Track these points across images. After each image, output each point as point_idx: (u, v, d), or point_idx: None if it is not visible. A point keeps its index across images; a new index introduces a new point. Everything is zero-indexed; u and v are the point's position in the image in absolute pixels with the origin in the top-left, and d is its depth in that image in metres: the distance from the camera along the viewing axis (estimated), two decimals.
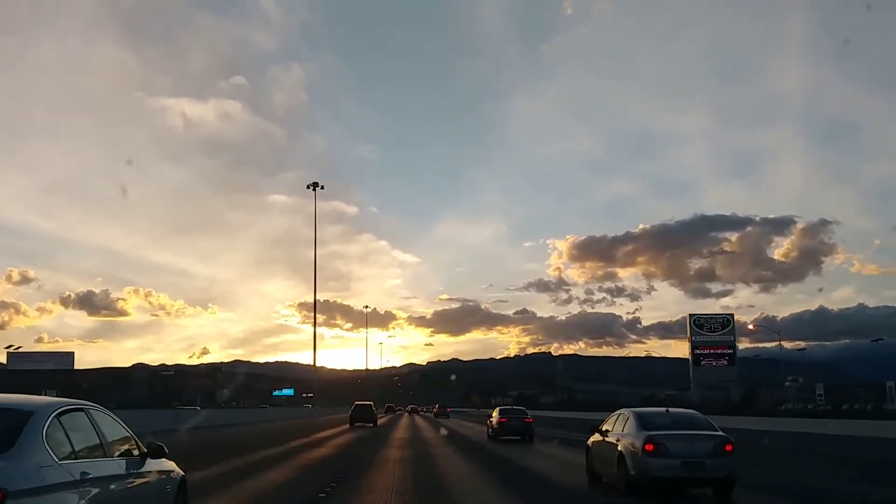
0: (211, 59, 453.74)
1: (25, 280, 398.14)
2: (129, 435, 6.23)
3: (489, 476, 16.50)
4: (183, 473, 7.23)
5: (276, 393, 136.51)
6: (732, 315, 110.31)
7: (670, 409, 13.40)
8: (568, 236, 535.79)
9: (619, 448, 12.46)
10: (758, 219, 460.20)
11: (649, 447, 11.59)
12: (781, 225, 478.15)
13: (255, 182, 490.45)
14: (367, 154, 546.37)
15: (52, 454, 4.69)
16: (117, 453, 5.82)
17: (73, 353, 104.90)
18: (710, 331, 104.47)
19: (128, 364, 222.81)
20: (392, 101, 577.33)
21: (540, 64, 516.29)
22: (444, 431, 39.82)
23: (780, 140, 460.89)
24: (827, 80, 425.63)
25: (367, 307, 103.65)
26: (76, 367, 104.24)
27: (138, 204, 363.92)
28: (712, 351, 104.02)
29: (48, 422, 4.88)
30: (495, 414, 31.81)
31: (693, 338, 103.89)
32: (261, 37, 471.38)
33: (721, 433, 12.06)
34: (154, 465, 6.40)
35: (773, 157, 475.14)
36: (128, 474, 5.74)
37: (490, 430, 31.76)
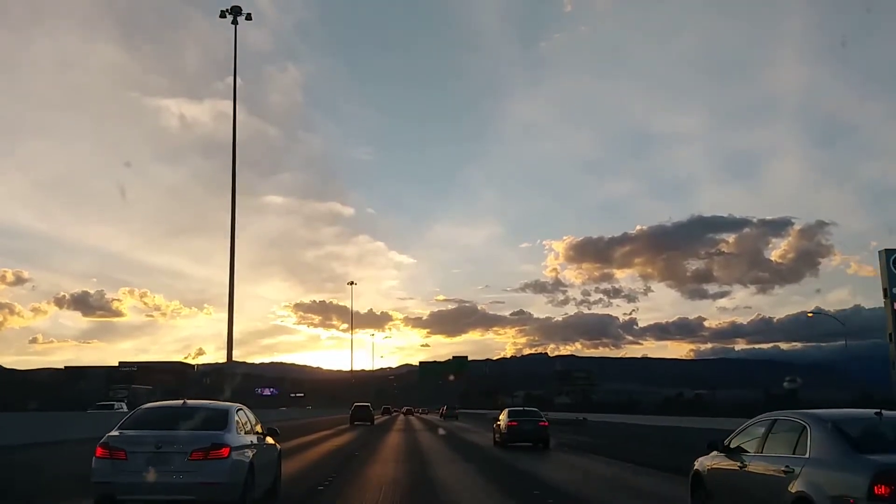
0: (206, 58, 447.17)
1: (20, 280, 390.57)
2: (258, 422, 10.73)
3: None
4: (280, 447, 11.88)
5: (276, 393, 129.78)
6: None
7: (884, 413, 7.18)
8: (564, 237, 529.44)
9: (795, 488, 6.54)
10: (755, 220, 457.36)
11: (882, 490, 5.56)
12: (779, 226, 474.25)
13: (251, 183, 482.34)
14: (364, 155, 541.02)
15: (238, 431, 9.36)
16: (255, 431, 10.27)
17: None
18: None
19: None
20: (388, 102, 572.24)
21: (537, 64, 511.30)
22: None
23: (777, 141, 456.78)
24: (824, 81, 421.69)
25: (352, 283, 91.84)
26: (66, 366, 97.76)
27: (133, 204, 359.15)
28: None
29: (235, 414, 9.64)
30: (503, 416, 27.33)
31: (893, 289, 52.22)
32: (256, 37, 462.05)
33: None
34: (268, 440, 10.87)
35: (770, 158, 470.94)
36: (260, 444, 10.17)
37: (497, 436, 27.42)
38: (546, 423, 26.53)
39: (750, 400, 52.92)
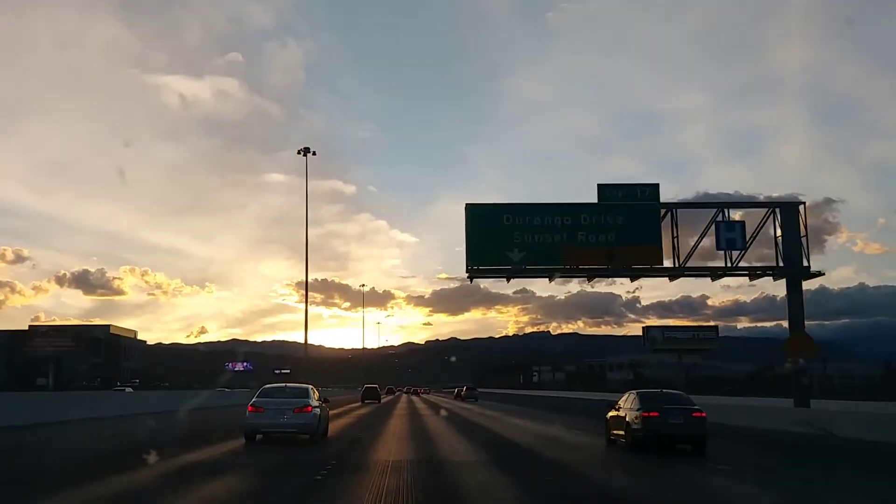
0: (207, 35, 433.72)
1: (20, 259, 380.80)
2: (319, 394, 20.02)
3: None
4: (329, 410, 21.32)
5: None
6: None
7: None
8: None
9: None
10: (761, 197, 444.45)
11: None
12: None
13: (252, 161, 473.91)
14: (366, 133, 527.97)
15: (313, 398, 18.82)
16: (319, 399, 19.48)
17: None
18: None
19: None
20: (391, 79, 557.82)
21: (541, 41, 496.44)
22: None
23: (784, 118, 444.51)
24: (831, 58, 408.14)
25: (306, 151, 58.61)
26: None
27: (134, 183, 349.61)
28: None
29: (311, 390, 19.50)
30: (628, 403, 17.59)
31: None
32: (257, 13, 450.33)
33: None
34: (323, 405, 19.68)
35: (777, 135, 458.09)
36: (321, 406, 19.29)
37: (617, 433, 17.92)
38: (703, 414, 16.74)
39: (869, 374, 41.84)
